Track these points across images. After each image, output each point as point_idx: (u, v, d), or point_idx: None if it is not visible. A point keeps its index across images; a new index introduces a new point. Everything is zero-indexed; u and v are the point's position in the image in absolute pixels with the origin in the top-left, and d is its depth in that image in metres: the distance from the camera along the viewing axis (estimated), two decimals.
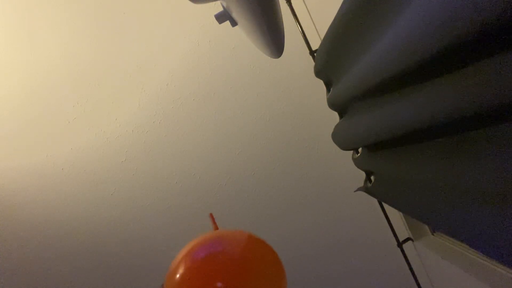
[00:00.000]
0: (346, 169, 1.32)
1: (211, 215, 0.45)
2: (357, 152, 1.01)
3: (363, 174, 1.02)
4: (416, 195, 0.64)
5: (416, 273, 1.11)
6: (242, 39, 1.34)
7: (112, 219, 1.30)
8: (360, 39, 0.63)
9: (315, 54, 1.10)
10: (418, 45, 0.38)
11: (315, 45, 1.08)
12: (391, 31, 0.48)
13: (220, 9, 0.59)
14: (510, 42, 0.29)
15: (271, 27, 0.50)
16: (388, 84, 0.53)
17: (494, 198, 0.41)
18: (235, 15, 0.54)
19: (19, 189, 1.27)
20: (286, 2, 1.14)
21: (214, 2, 0.56)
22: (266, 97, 1.37)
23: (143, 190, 1.32)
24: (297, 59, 1.35)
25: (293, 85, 1.37)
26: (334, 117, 1.08)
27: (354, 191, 1.06)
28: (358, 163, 0.97)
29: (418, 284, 1.10)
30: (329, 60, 0.86)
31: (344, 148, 0.96)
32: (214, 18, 0.58)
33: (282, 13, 0.60)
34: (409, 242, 1.13)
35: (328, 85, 1.01)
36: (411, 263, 1.11)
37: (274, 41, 0.55)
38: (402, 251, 1.10)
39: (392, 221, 1.12)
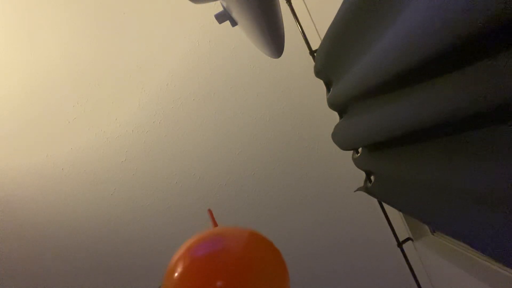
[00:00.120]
0: (346, 169, 1.32)
1: (210, 211, 0.44)
2: (357, 152, 1.01)
3: (363, 174, 1.02)
4: (416, 195, 0.64)
5: (416, 273, 1.10)
6: (242, 39, 1.34)
7: (112, 219, 1.30)
8: (360, 39, 0.63)
9: (315, 54, 1.10)
10: (418, 45, 0.38)
11: (315, 45, 1.08)
12: (391, 31, 0.48)
13: (220, 9, 0.59)
14: (510, 42, 0.29)
15: (271, 27, 0.50)
16: (388, 84, 0.53)
17: (494, 198, 0.41)
18: (235, 15, 0.54)
19: (19, 189, 1.27)
20: (286, 2, 1.14)
21: (214, 2, 0.56)
22: (266, 97, 1.37)
23: (143, 190, 1.32)
24: (297, 59, 1.35)
25: (293, 85, 1.37)
26: (334, 117, 1.07)
27: (354, 191, 1.06)
28: (358, 163, 0.97)
29: (418, 284, 1.10)
30: (329, 60, 0.86)
31: (344, 148, 0.96)
32: (214, 18, 0.58)
33: (282, 13, 0.60)
34: (409, 242, 1.13)
35: (328, 85, 1.01)
36: (411, 263, 1.11)
37: (274, 41, 0.55)
38: (402, 251, 1.10)
39: (392, 221, 1.12)
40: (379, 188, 0.88)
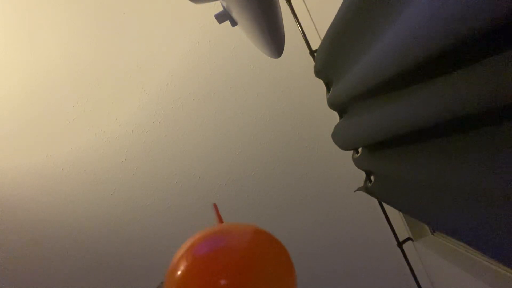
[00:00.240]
0: (346, 169, 1.32)
1: (215, 206, 0.42)
2: (357, 152, 1.01)
3: (363, 174, 1.02)
4: (416, 195, 0.64)
5: (416, 273, 1.10)
6: (242, 39, 1.34)
7: (112, 219, 1.30)
8: (360, 39, 0.64)
9: (315, 54, 1.10)
10: (418, 45, 0.38)
11: (315, 45, 1.08)
12: (391, 31, 0.48)
13: (220, 9, 0.59)
14: (510, 42, 0.29)
15: (271, 27, 0.50)
16: (388, 84, 0.53)
17: (494, 198, 0.41)
18: (235, 15, 0.54)
19: (19, 189, 1.27)
20: (286, 2, 1.14)
21: (214, 2, 0.56)
22: (266, 97, 1.37)
23: (143, 190, 1.32)
24: (297, 59, 1.35)
25: (293, 85, 1.37)
26: (334, 117, 1.08)
27: (354, 191, 1.06)
28: (358, 163, 0.97)
29: (418, 284, 1.10)
30: (329, 60, 0.86)
31: (344, 148, 0.96)
32: (214, 18, 0.58)
33: (282, 13, 0.60)
34: (409, 242, 1.13)
35: (328, 85, 1.01)
36: (411, 263, 1.11)
37: (274, 41, 0.55)
38: (402, 251, 1.10)
39: (392, 221, 1.12)
40: (379, 188, 0.88)
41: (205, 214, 1.32)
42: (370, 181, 0.97)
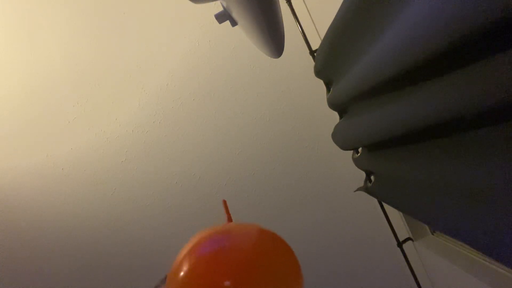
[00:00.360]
0: (346, 169, 1.32)
1: (224, 202, 0.41)
2: (357, 152, 1.01)
3: (363, 174, 1.02)
4: (416, 195, 0.64)
5: (416, 273, 1.10)
6: (242, 39, 1.34)
7: (112, 219, 1.30)
8: (360, 39, 0.63)
9: (315, 54, 1.10)
10: (418, 45, 0.38)
11: (315, 45, 1.08)
12: (391, 31, 0.48)
13: (220, 9, 0.59)
14: (510, 42, 0.29)
15: (271, 27, 0.50)
16: (388, 84, 0.53)
17: (494, 198, 0.41)
18: (235, 15, 0.54)
19: (19, 189, 1.27)
20: (286, 2, 1.14)
21: (214, 2, 0.56)
22: (266, 97, 1.36)
23: (143, 190, 1.32)
24: (297, 59, 1.35)
25: (293, 85, 1.37)
26: (334, 117, 1.07)
27: (354, 191, 1.06)
28: (358, 163, 0.97)
29: (418, 284, 1.10)
30: (329, 60, 0.86)
31: (344, 148, 0.96)
32: (214, 18, 0.58)
33: (282, 13, 0.60)
34: (409, 242, 1.13)
35: (328, 85, 1.01)
36: (411, 263, 1.11)
37: (274, 41, 0.55)
38: (402, 251, 1.10)
39: (392, 221, 1.12)
40: (379, 188, 0.88)
41: (205, 214, 1.32)
42: (370, 181, 0.97)
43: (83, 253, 1.29)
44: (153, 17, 1.33)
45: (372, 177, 0.97)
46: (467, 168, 0.43)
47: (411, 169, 0.60)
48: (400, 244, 1.09)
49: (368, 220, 1.36)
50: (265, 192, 1.35)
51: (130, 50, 1.32)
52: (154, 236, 1.31)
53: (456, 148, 0.47)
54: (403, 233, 1.15)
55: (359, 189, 1.02)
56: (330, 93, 0.96)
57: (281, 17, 0.57)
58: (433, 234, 1.11)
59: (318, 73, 1.00)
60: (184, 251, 0.30)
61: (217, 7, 0.59)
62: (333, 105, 0.94)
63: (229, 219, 0.40)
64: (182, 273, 0.28)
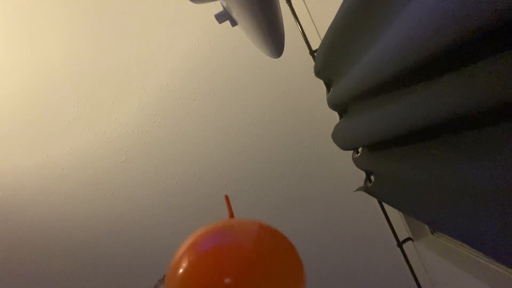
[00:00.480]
0: (346, 169, 1.32)
1: (227, 197, 0.40)
2: (357, 152, 1.01)
3: (363, 174, 1.02)
4: (416, 195, 0.64)
5: (416, 273, 1.10)
6: (242, 39, 1.34)
7: (112, 219, 1.30)
8: (360, 39, 0.63)
9: (315, 54, 1.10)
10: (418, 45, 0.38)
11: (315, 45, 1.08)
12: (391, 31, 0.48)
13: (220, 9, 0.59)
14: (510, 42, 0.29)
15: (271, 27, 0.50)
16: (388, 84, 0.53)
17: (494, 198, 0.41)
18: (235, 15, 0.54)
19: (19, 189, 1.27)
20: (286, 2, 1.14)
21: (214, 2, 0.56)
22: (266, 97, 1.36)
23: (143, 190, 1.32)
24: (297, 59, 1.35)
25: (293, 85, 1.37)
26: (334, 117, 1.07)
27: (354, 191, 1.06)
28: (358, 163, 0.97)
29: (418, 284, 1.10)
30: (329, 60, 0.86)
31: (344, 148, 0.96)
32: (214, 18, 0.58)
33: (282, 13, 0.60)
34: (409, 242, 1.13)
35: (328, 85, 1.01)
36: (411, 263, 1.11)
37: (274, 41, 0.55)
38: (402, 251, 1.10)
39: (392, 221, 1.12)
40: (379, 188, 0.88)
41: (205, 214, 1.32)
42: (370, 181, 0.97)
43: (83, 253, 1.29)
44: (153, 17, 1.33)
45: (372, 177, 0.97)
46: (467, 168, 0.43)
47: (411, 169, 0.60)
48: (400, 244, 1.09)
49: (368, 220, 1.36)
50: (265, 192, 1.35)
51: (130, 50, 1.32)
52: (154, 236, 1.31)
53: (456, 148, 0.47)
54: (403, 233, 1.15)
55: (359, 189, 1.02)
56: (330, 93, 0.96)
57: (281, 17, 0.57)
58: (433, 234, 1.11)
59: (318, 73, 1.00)
60: (184, 247, 0.30)
61: (217, 7, 0.59)
62: (333, 105, 0.94)
63: (231, 215, 0.39)
64: (181, 270, 0.27)
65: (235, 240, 0.30)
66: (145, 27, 1.33)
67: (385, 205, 1.12)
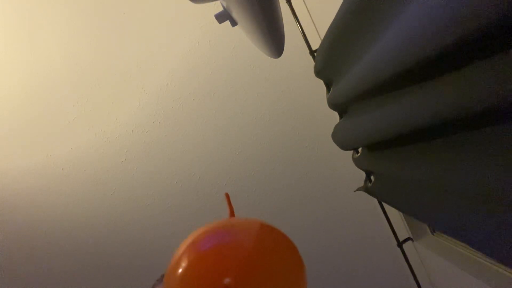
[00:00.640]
0: (346, 169, 1.32)
1: (227, 195, 0.39)
2: (357, 152, 1.01)
3: (363, 174, 1.02)
4: (416, 195, 0.64)
5: (416, 273, 1.10)
6: (242, 39, 1.34)
7: (112, 219, 1.30)
8: (360, 39, 0.63)
9: (315, 54, 1.10)
10: (418, 45, 0.38)
11: (315, 45, 1.08)
12: (391, 31, 0.48)
13: (220, 9, 0.59)
14: (509, 43, 0.29)
15: (271, 27, 0.50)
16: (388, 84, 0.53)
17: (494, 198, 0.41)
18: (235, 15, 0.54)
19: (19, 189, 1.27)
20: (286, 2, 1.14)
21: (214, 2, 0.56)
22: (266, 97, 1.37)
23: (143, 190, 1.32)
24: (297, 59, 1.35)
25: (293, 85, 1.37)
26: (334, 117, 1.07)
27: (354, 191, 1.06)
28: (358, 163, 0.97)
29: (418, 284, 1.10)
30: (329, 60, 0.86)
31: (344, 148, 0.96)
32: (214, 18, 0.58)
33: (282, 13, 0.60)
34: (409, 242, 1.13)
35: (328, 85, 1.01)
36: (411, 263, 1.11)
37: (274, 41, 0.55)
38: (402, 251, 1.10)
39: (392, 221, 1.12)
40: (379, 188, 0.88)
41: (205, 214, 1.32)
42: (370, 181, 0.97)
43: (83, 253, 1.29)
44: (153, 17, 1.33)
45: (372, 177, 0.97)
46: (467, 168, 0.43)
47: (411, 169, 0.60)
48: (400, 244, 1.09)
49: (368, 220, 1.36)
50: (265, 192, 1.35)
51: (130, 50, 1.32)
52: (154, 236, 1.31)
53: (456, 148, 0.47)
54: (403, 233, 1.15)
55: (359, 189, 1.02)
56: (330, 93, 0.96)
57: (281, 17, 0.57)
58: (433, 234, 1.11)
59: (318, 73, 1.00)
60: (183, 246, 0.29)
61: (217, 7, 0.59)
62: (333, 105, 0.94)
63: (231, 213, 0.38)
64: (180, 270, 0.27)
65: (235, 240, 0.29)
66: (145, 27, 1.33)
67: (385, 205, 1.12)
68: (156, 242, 1.31)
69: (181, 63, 1.34)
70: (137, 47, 1.33)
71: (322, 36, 0.91)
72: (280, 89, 1.37)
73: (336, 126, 0.99)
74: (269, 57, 0.78)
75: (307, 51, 1.15)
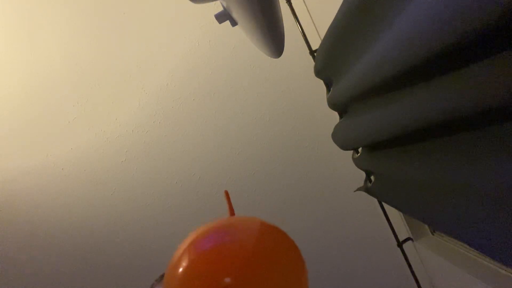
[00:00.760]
0: (346, 169, 1.32)
1: (227, 193, 0.38)
2: (357, 152, 1.01)
3: (363, 174, 1.02)
4: (416, 195, 0.64)
5: (416, 273, 1.10)
6: (242, 39, 1.34)
7: (112, 219, 1.30)
8: (360, 39, 0.63)
9: (315, 54, 1.10)
10: (418, 45, 0.38)
11: (315, 45, 1.08)
12: (391, 31, 0.48)
13: (220, 9, 0.59)
14: (509, 43, 0.29)
15: (271, 27, 0.50)
16: (388, 84, 0.53)
17: (494, 198, 0.41)
18: (235, 15, 0.54)
19: (19, 189, 1.27)
20: (286, 2, 1.14)
21: (214, 2, 0.56)
22: (266, 97, 1.36)
23: (143, 190, 1.32)
24: (297, 59, 1.35)
25: (293, 85, 1.37)
26: (334, 117, 1.07)
27: (354, 191, 1.06)
28: (358, 163, 0.97)
29: (418, 284, 1.10)
30: (329, 60, 0.86)
31: (344, 148, 0.96)
32: (214, 18, 0.58)
33: (282, 13, 0.60)
34: (409, 242, 1.13)
35: (328, 85, 1.01)
36: (411, 263, 1.11)
37: (274, 41, 0.55)
38: (402, 251, 1.10)
39: (392, 221, 1.12)
40: (379, 188, 0.88)
41: (205, 214, 1.32)
42: (370, 181, 0.97)
43: (83, 253, 1.29)
44: (153, 17, 1.33)
45: (372, 177, 0.97)
46: (467, 168, 0.43)
47: (411, 169, 0.60)
48: (400, 244, 1.10)
49: (368, 220, 1.36)
50: (265, 192, 1.35)
51: (130, 50, 1.32)
52: (154, 236, 1.31)
53: (456, 148, 0.47)
54: (403, 233, 1.15)
55: (359, 189, 1.02)
56: (330, 93, 0.96)
57: (281, 17, 0.57)
58: (433, 234, 1.11)
59: (318, 73, 1.00)
60: (183, 246, 0.29)
61: (217, 7, 0.59)
62: (333, 105, 0.94)
63: (231, 212, 0.38)
64: (180, 269, 0.26)
65: (235, 239, 0.29)
66: (145, 27, 1.33)
67: (385, 205, 1.12)
68: (156, 242, 1.31)
69: (181, 63, 1.34)
70: (137, 47, 1.33)
71: (322, 36, 0.91)
72: (280, 89, 1.37)
73: (336, 126, 0.99)
74: (269, 57, 0.78)
75: (307, 51, 1.15)
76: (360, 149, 0.99)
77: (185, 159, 1.33)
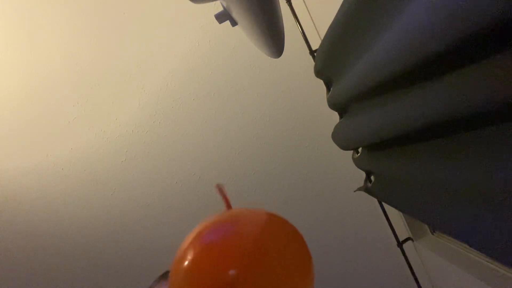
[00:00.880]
0: (346, 169, 1.32)
1: (219, 187, 0.36)
2: (357, 152, 1.01)
3: (363, 174, 1.02)
4: (416, 195, 0.64)
5: (416, 273, 1.10)
6: (242, 39, 1.34)
7: (112, 219, 1.30)
8: (360, 39, 0.63)
9: (315, 54, 1.10)
10: (418, 44, 0.38)
11: (315, 45, 1.08)
12: (391, 31, 0.48)
13: (220, 9, 0.59)
14: (510, 42, 0.29)
15: (271, 27, 0.50)
16: (388, 84, 0.53)
17: (494, 198, 0.41)
18: (235, 15, 0.54)
19: (19, 189, 1.27)
20: (286, 2, 1.14)
21: (214, 2, 0.56)
22: (266, 97, 1.36)
23: (143, 190, 1.32)
24: (297, 59, 1.35)
25: (293, 85, 1.37)
26: (334, 117, 1.07)
27: (354, 191, 1.06)
28: (358, 163, 0.97)
29: (418, 284, 1.10)
30: (329, 60, 0.86)
31: (344, 148, 0.96)
32: (214, 18, 0.58)
33: (282, 13, 0.60)
34: (409, 242, 1.13)
35: (328, 85, 1.01)
36: (411, 263, 1.11)
37: (274, 41, 0.55)
38: (402, 251, 1.10)
39: (392, 221, 1.12)
40: (379, 188, 0.88)
41: (205, 214, 1.32)
42: (370, 181, 0.97)
43: (83, 253, 1.29)
44: (153, 17, 1.33)
45: (372, 177, 0.97)
46: (467, 168, 0.43)
47: (411, 169, 0.60)
48: (400, 244, 1.10)
49: (368, 220, 1.36)
50: (265, 192, 1.35)
51: (130, 50, 1.32)
52: (154, 236, 1.31)
53: (456, 148, 0.47)
54: (403, 233, 1.15)
55: (359, 189, 1.02)
56: (330, 93, 0.96)
57: (281, 17, 0.57)
58: (433, 234, 1.11)
59: (318, 73, 1.00)
60: (188, 239, 0.29)
61: (217, 7, 0.59)
62: (333, 105, 0.94)
63: (228, 205, 0.37)
64: (186, 263, 0.26)
65: (241, 230, 0.29)
66: (145, 27, 1.33)
67: (385, 205, 1.12)
68: (156, 242, 1.31)
69: (181, 63, 1.34)
70: (137, 47, 1.33)
71: (322, 36, 0.91)
72: (280, 89, 1.37)
73: (336, 126, 0.99)
74: (269, 57, 0.78)
75: (307, 51, 1.15)
76: (360, 149, 0.99)
77: (185, 159, 1.33)
